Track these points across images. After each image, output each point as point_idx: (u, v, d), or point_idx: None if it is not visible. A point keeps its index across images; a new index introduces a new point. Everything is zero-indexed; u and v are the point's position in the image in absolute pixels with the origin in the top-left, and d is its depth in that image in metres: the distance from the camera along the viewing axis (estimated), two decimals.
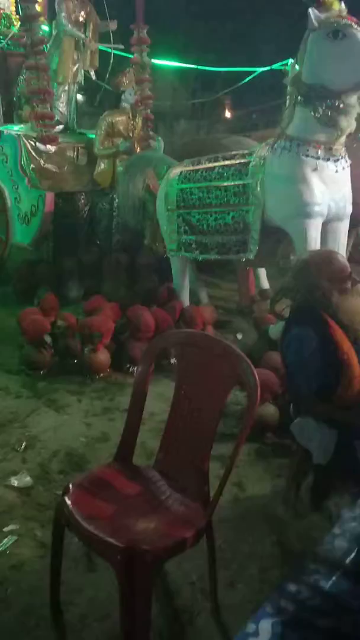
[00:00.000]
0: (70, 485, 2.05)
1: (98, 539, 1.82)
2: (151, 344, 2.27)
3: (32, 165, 5.77)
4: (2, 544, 2.47)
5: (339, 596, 2.21)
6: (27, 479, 2.92)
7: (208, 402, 2.07)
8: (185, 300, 4.78)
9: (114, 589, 2.15)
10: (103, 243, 6.04)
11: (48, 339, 4.15)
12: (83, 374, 4.10)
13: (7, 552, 2.44)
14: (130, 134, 6.06)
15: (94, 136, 6.13)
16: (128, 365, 4.17)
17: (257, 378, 1.90)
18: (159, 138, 6.66)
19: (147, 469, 2.23)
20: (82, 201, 6.14)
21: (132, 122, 6.09)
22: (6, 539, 2.50)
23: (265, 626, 1.97)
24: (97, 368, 4.09)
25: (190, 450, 2.11)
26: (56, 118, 6.12)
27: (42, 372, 4.11)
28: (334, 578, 2.31)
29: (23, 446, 3.21)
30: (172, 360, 4.24)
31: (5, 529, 2.56)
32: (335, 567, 2.36)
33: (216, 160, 4.44)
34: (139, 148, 6.12)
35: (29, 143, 5.77)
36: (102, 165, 6.05)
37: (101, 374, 4.11)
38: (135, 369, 4.08)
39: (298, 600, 2.17)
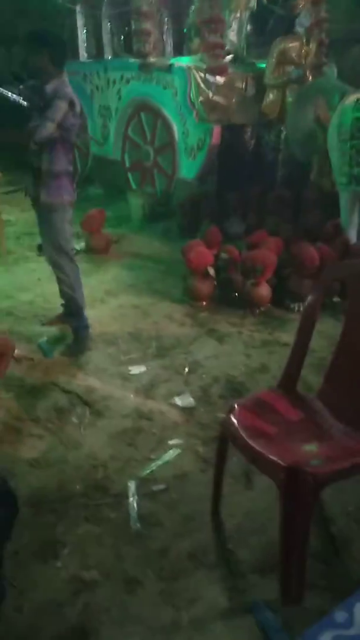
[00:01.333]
0: (236, 405, 2.13)
1: (262, 457, 1.89)
2: (326, 271, 2.24)
3: (200, 98, 5.76)
4: (167, 454, 2.67)
5: None
6: (190, 400, 3.09)
7: None
8: (353, 237, 4.57)
9: (270, 507, 2.26)
10: (268, 178, 5.92)
11: (211, 271, 4.24)
12: (243, 307, 4.16)
13: (171, 463, 2.63)
14: (303, 61, 5.76)
15: (264, 66, 5.93)
16: (289, 301, 4.14)
17: None
18: (333, 64, 6.25)
19: (311, 398, 2.24)
20: (249, 134, 6.04)
21: (305, 48, 5.77)
22: (171, 450, 2.69)
23: None
24: (258, 302, 4.12)
25: (358, 381, 2.07)
26: (226, 48, 5.99)
27: (204, 303, 4.23)
28: None
29: (186, 370, 3.38)
30: (335, 299, 4.15)
31: (170, 442, 2.76)
32: None
33: None
34: (310, 76, 5.81)
35: (199, 75, 5.74)
36: (271, 96, 5.86)
37: (262, 308, 4.14)
38: (297, 305, 4.07)
39: None
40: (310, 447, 1.94)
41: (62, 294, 3.59)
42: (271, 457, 1.86)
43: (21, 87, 3.30)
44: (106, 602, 1.96)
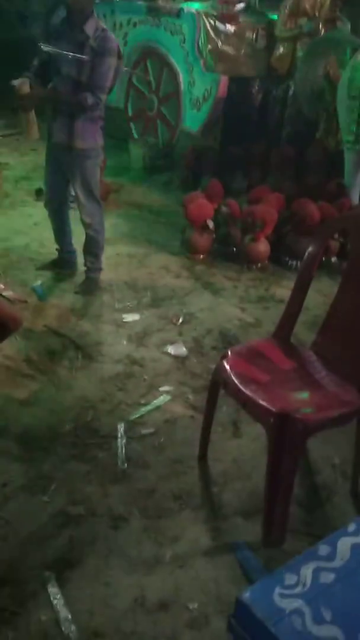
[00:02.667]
0: (229, 352, 2.13)
1: (253, 402, 1.90)
2: (327, 222, 2.20)
3: (209, 47, 5.58)
4: (157, 400, 2.69)
5: None
6: (183, 350, 3.09)
7: None
8: (355, 198, 4.51)
9: (257, 455, 2.29)
10: (272, 133, 5.80)
11: (210, 224, 4.19)
12: (241, 262, 4.13)
13: (161, 408, 2.65)
14: (317, 13, 5.56)
15: (276, 17, 5.73)
16: (287, 258, 4.12)
17: None
18: (347, 19, 6.05)
19: (304, 349, 2.25)
20: (256, 88, 5.88)
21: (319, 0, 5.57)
22: (162, 396, 2.71)
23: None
24: (256, 257, 4.09)
25: (354, 334, 2.08)
26: None
27: (201, 256, 4.20)
28: None
29: (180, 320, 3.38)
30: (334, 259, 4.13)
31: (161, 389, 2.77)
32: None
33: None
34: (323, 30, 5.63)
35: (209, 22, 5.54)
36: (282, 49, 5.68)
37: (259, 264, 4.11)
38: (295, 262, 4.04)
39: None
40: (301, 395, 1.95)
41: (88, 237, 3.53)
42: (262, 402, 1.87)
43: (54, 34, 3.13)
44: (91, 536, 1.99)
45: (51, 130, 3.29)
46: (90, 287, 3.60)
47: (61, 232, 3.70)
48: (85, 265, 3.62)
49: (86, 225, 3.48)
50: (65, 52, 3.06)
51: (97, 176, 3.42)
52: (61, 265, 3.76)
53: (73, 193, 3.46)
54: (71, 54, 3.05)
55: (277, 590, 1.19)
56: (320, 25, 5.54)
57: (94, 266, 3.62)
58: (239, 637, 1.20)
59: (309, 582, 1.21)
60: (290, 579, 1.21)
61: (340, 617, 1.13)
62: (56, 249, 3.75)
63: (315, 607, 1.15)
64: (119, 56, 3.17)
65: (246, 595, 1.17)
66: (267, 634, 1.12)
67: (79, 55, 3.04)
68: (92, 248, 3.57)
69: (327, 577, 1.22)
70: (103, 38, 3.06)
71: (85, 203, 3.40)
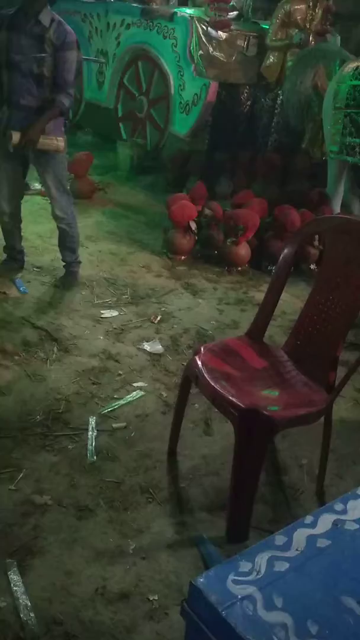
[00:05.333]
0: (202, 348, 2.15)
1: (222, 397, 1.92)
2: (303, 226, 2.24)
3: (200, 52, 5.63)
4: (130, 395, 2.70)
5: None
6: (159, 347, 3.11)
7: (351, 293, 2.03)
8: (337, 207, 4.58)
9: (226, 453, 2.31)
10: (260, 141, 5.87)
11: (193, 225, 4.22)
12: (221, 264, 4.17)
13: (134, 403, 2.66)
14: (307, 25, 5.65)
15: (267, 27, 5.81)
16: (267, 263, 4.16)
17: None
18: (337, 34, 6.15)
19: (276, 349, 2.28)
20: (245, 95, 5.95)
21: (310, 12, 5.66)
22: (135, 392, 2.72)
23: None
24: (236, 261, 4.13)
25: (323, 337, 2.11)
26: (231, 3, 5.85)
27: (182, 257, 4.22)
28: None
29: (158, 319, 3.40)
30: (312, 266, 4.18)
31: (135, 384, 2.78)
32: None
33: None
34: (313, 42, 5.71)
35: (201, 27, 5.60)
36: (272, 58, 5.75)
37: (239, 268, 4.15)
38: (274, 267, 4.08)
39: None
40: (270, 393, 1.98)
41: (62, 232, 3.51)
42: (230, 397, 1.90)
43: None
44: (55, 525, 2.00)
45: (10, 127, 3.12)
46: (70, 281, 3.61)
47: (17, 230, 3.61)
48: (63, 260, 3.62)
49: (59, 220, 3.47)
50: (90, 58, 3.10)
51: (66, 169, 3.47)
52: (9, 267, 3.68)
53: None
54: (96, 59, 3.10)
55: (231, 576, 1.20)
56: (311, 37, 5.63)
57: (72, 260, 3.62)
58: (192, 621, 1.21)
59: (263, 570, 1.22)
60: (244, 566, 1.23)
61: (291, 604, 1.15)
62: (6, 251, 3.68)
63: (267, 594, 1.17)
64: (78, 47, 3.20)
65: (200, 580, 1.19)
66: (219, 618, 1.13)
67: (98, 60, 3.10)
68: (68, 242, 3.56)
69: (281, 566, 1.24)
70: (63, 32, 3.07)
71: (58, 197, 3.39)
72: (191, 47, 5.65)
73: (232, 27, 5.75)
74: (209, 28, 5.63)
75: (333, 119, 4.40)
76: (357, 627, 1.12)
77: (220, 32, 5.66)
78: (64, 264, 3.63)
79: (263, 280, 4.04)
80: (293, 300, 3.55)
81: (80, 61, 3.26)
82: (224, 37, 5.72)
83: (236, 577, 1.20)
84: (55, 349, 2.95)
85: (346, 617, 1.13)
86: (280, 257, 2.24)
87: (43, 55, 3.04)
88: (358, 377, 2.88)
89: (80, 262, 3.68)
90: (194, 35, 5.60)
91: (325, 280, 2.19)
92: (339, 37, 5.99)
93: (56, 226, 3.53)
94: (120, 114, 6.68)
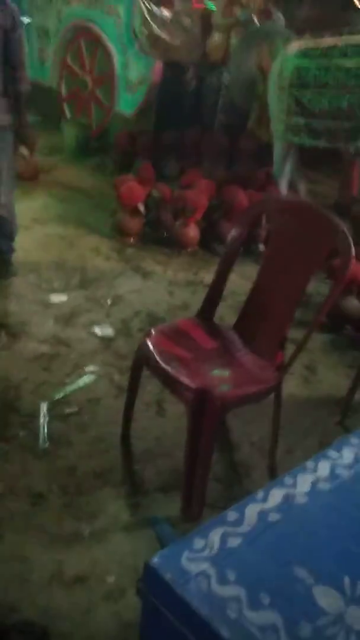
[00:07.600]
0: (153, 330, 2.16)
1: (174, 379, 1.94)
2: (249, 207, 2.26)
3: (144, 30, 5.54)
4: (82, 380, 2.68)
5: None
6: (109, 331, 3.09)
7: (297, 270, 2.07)
8: (283, 188, 4.62)
9: (179, 433, 2.32)
10: (206, 121, 5.84)
11: (141, 207, 4.19)
12: (171, 246, 4.16)
13: (86, 388, 2.64)
14: (251, 5, 5.64)
15: (213, 7, 5.76)
16: (216, 244, 4.17)
17: (353, 250, 1.87)
18: (280, 13, 6.16)
19: (226, 329, 2.30)
20: (190, 74, 5.90)
21: None
22: (86, 376, 2.71)
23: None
24: (186, 242, 4.13)
25: (271, 315, 2.15)
26: None
27: (132, 239, 4.19)
28: None
29: (108, 302, 3.37)
30: (261, 247, 4.23)
31: (87, 369, 2.76)
32: None
33: (342, 36, 4.08)
34: (258, 21, 5.71)
35: (145, 5, 5.50)
36: (216, 38, 5.72)
37: (188, 249, 4.15)
38: (223, 248, 4.11)
39: None
40: (221, 373, 2.00)
41: (1, 220, 3.36)
42: (182, 379, 1.91)
43: None
44: (9, 513, 1.98)
45: None
46: (9, 269, 3.46)
47: None
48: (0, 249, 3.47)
49: (1, 207, 3.30)
50: None
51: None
52: None
53: None
54: None
55: (186, 554, 1.23)
56: (254, 16, 5.62)
57: (9, 248, 3.46)
58: (148, 601, 1.23)
59: (216, 546, 1.25)
60: (198, 543, 1.25)
61: (244, 578, 1.18)
62: None
63: (221, 569, 1.20)
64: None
65: (155, 559, 1.21)
66: (174, 595, 1.15)
67: None
68: (7, 229, 3.40)
69: (234, 542, 1.27)
70: (11, 12, 2.98)
71: (7, 181, 3.27)
72: (135, 25, 5.55)
73: (176, 5, 5.67)
74: (152, 6, 5.54)
75: (278, 99, 4.42)
76: (308, 595, 1.16)
77: (164, 10, 5.58)
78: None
79: (213, 261, 4.04)
80: (242, 280, 3.56)
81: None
82: (168, 15, 5.63)
83: (190, 555, 1.22)
84: (2, 335, 2.89)
85: (297, 586, 1.17)
86: (229, 238, 2.25)
87: None
88: (306, 354, 3.00)
89: (14, 250, 3.51)
90: (137, 13, 5.50)
91: (271, 260, 2.22)
92: (282, 17, 6.00)
93: None
94: (64, 93, 6.52)
